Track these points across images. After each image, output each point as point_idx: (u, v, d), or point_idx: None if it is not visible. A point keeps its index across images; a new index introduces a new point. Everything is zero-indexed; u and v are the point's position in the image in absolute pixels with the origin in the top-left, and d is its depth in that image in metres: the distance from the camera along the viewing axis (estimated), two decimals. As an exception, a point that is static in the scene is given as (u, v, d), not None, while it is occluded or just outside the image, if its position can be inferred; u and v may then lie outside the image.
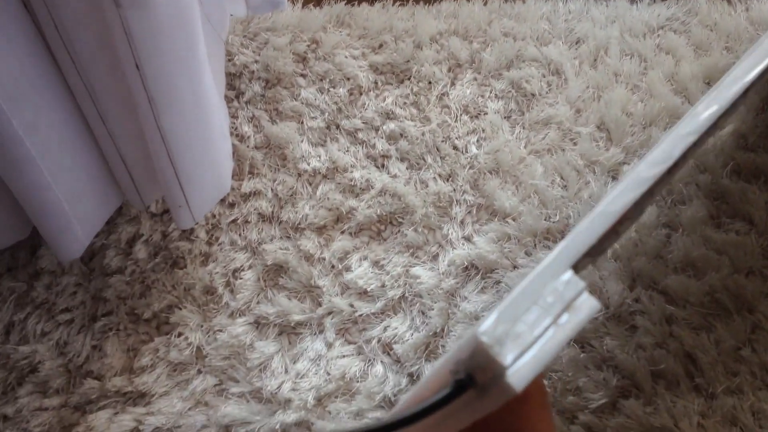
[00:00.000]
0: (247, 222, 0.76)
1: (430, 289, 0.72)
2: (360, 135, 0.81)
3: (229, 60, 0.84)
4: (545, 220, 0.74)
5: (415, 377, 0.68)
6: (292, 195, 0.78)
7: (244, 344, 0.70)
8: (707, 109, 0.38)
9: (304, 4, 0.90)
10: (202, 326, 0.71)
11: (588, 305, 0.29)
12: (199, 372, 0.69)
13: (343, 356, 0.70)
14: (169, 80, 0.54)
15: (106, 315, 0.72)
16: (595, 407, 0.66)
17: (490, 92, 0.83)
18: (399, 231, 0.76)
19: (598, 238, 0.32)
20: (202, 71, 0.58)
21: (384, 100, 0.83)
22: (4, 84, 0.50)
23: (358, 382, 0.68)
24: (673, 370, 0.67)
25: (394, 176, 0.78)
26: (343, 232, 0.76)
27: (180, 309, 0.72)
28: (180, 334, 0.71)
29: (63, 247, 0.63)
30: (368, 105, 0.82)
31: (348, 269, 0.74)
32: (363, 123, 0.82)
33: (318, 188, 0.78)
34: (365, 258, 0.74)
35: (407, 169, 0.79)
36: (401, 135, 0.81)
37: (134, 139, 0.61)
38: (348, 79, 0.84)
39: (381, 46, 0.86)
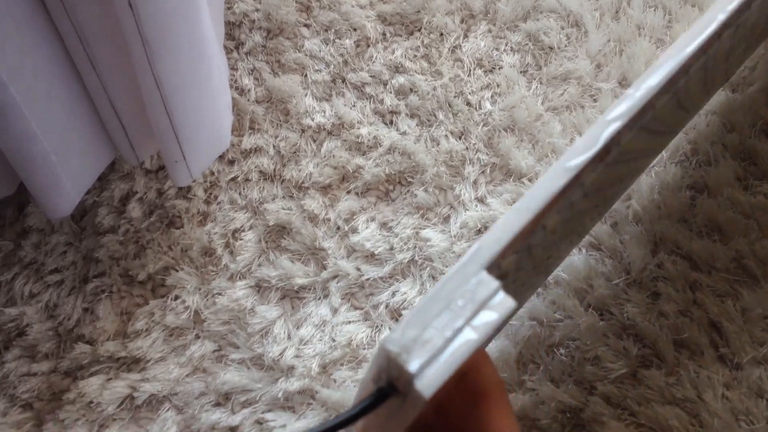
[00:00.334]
0: (247, 180, 0.72)
1: (441, 253, 0.68)
2: (367, 89, 0.76)
3: (228, 8, 0.79)
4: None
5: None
6: (295, 152, 0.73)
7: (244, 309, 0.66)
8: (638, 91, 0.37)
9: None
10: (200, 289, 0.67)
11: (503, 305, 0.28)
12: (197, 337, 0.66)
13: (349, 322, 0.66)
14: (165, 22, 0.50)
15: (98, 276, 0.68)
16: (615, 377, 0.63)
17: (506, 45, 0.78)
18: (408, 191, 0.72)
19: (515, 236, 0.31)
20: (201, 14, 0.54)
21: (393, 52, 0.78)
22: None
23: (364, 349, 0.65)
24: (696, 339, 0.64)
25: (404, 133, 0.74)
26: (349, 192, 0.72)
27: (177, 271, 0.68)
28: (177, 298, 0.67)
29: (51, 203, 0.59)
30: (376, 58, 0.78)
31: (354, 231, 0.70)
32: (370, 77, 0.77)
33: (323, 145, 0.74)
34: (373, 219, 0.71)
35: (417, 125, 0.75)
36: (411, 90, 0.76)
37: (127, 87, 0.57)
38: (354, 29, 0.79)
39: (389, -5, 0.81)
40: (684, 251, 0.67)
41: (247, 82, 0.76)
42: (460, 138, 0.74)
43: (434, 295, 0.29)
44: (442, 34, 0.79)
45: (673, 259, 0.67)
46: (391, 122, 0.75)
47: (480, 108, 0.75)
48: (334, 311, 0.67)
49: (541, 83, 0.76)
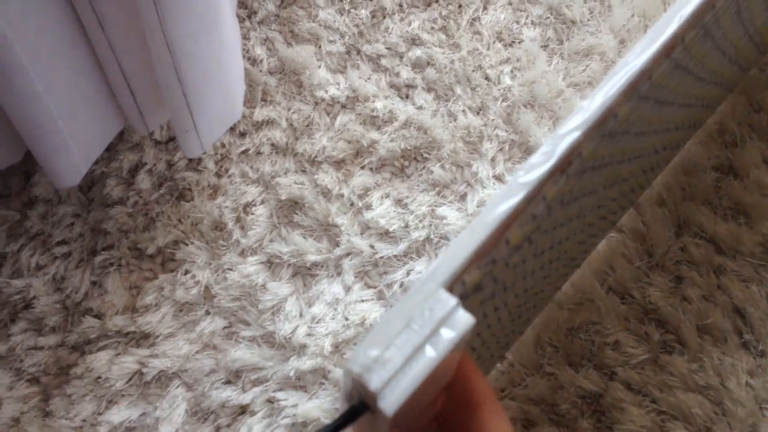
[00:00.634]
0: (259, 153, 0.70)
1: (457, 231, 0.66)
2: (383, 62, 0.74)
3: (242, -25, 0.77)
4: (584, 159, 0.68)
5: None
6: (308, 125, 0.71)
7: (255, 285, 0.65)
8: (594, 102, 0.37)
9: None
10: (210, 264, 0.65)
11: (462, 322, 0.30)
12: (207, 313, 0.64)
13: (363, 301, 0.65)
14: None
15: (106, 249, 0.66)
16: (636, 363, 0.61)
17: (527, 18, 0.76)
18: (424, 167, 0.70)
19: (474, 252, 0.32)
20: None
21: (410, 24, 0.76)
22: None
23: (378, 328, 0.63)
24: (720, 325, 0.62)
25: (420, 107, 0.72)
26: (363, 167, 0.70)
27: (186, 245, 0.66)
28: (187, 272, 0.65)
29: (59, 171, 0.57)
30: (392, 29, 0.75)
31: (368, 207, 0.68)
32: (386, 48, 0.75)
33: (336, 119, 0.71)
34: (387, 196, 0.69)
35: (434, 100, 0.72)
36: (428, 63, 0.74)
37: (138, 50, 0.54)
38: (370, 0, 0.77)
39: (407, -36, 0.79)
40: (708, 234, 0.65)
41: (259, 52, 0.74)
42: (478, 113, 0.72)
43: (394, 314, 0.30)
44: (460, 6, 0.76)
45: (697, 243, 0.65)
46: (407, 96, 0.73)
47: (499, 83, 0.73)
48: (347, 289, 0.65)
49: (562, 58, 0.74)
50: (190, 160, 0.69)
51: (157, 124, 0.65)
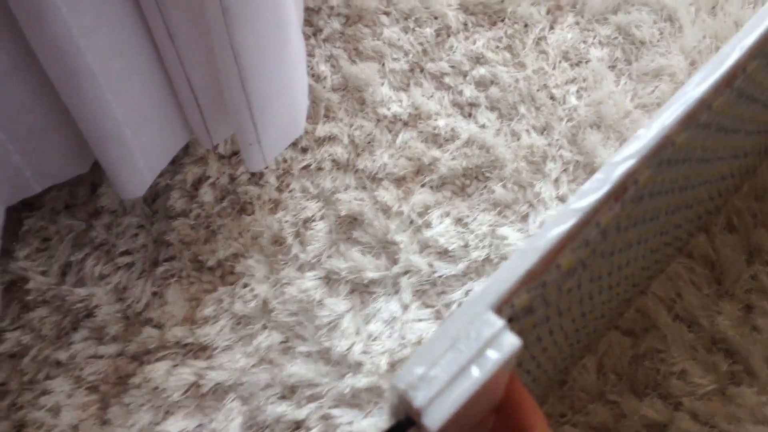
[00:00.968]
0: (320, 169, 0.70)
1: (518, 252, 0.65)
2: (446, 80, 0.74)
3: (308, -7, 0.78)
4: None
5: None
6: (369, 142, 0.71)
7: (313, 300, 0.64)
8: (650, 131, 0.37)
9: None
10: (268, 278, 0.66)
11: (509, 343, 0.30)
12: (265, 327, 0.64)
13: (420, 320, 0.64)
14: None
15: (168, 260, 0.67)
16: (703, 393, 0.59)
17: (594, 38, 0.75)
18: (486, 186, 0.69)
19: (524, 275, 0.33)
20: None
21: (474, 42, 0.75)
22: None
23: (436, 348, 0.62)
24: (793, 358, 0.59)
25: (483, 126, 0.71)
26: (423, 185, 0.69)
27: (246, 258, 0.66)
28: (245, 285, 0.65)
29: (124, 181, 0.58)
30: (456, 47, 0.75)
31: (428, 225, 0.67)
32: (450, 67, 0.74)
33: (398, 136, 0.71)
34: (447, 214, 0.68)
35: (497, 118, 0.72)
36: (492, 81, 0.73)
37: (205, 63, 0.55)
38: (435, 18, 0.76)
39: (473, -17, 0.78)
40: (782, 262, 0.63)
41: (323, 68, 0.74)
42: (542, 133, 0.71)
43: (441, 333, 0.30)
44: (526, 25, 0.76)
45: (769, 270, 0.62)
46: (470, 114, 0.72)
47: (564, 102, 0.72)
48: (405, 308, 0.65)
49: (630, 79, 0.72)
50: (253, 174, 0.70)
51: (221, 138, 0.66)
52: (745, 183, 0.66)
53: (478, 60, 0.74)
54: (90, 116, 0.53)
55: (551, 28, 0.75)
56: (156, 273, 0.66)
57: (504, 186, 0.68)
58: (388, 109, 0.72)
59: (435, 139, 0.71)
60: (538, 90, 0.72)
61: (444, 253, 0.66)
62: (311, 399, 0.61)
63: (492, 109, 0.72)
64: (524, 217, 0.67)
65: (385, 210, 0.68)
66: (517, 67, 0.74)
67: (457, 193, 0.69)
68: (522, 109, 0.71)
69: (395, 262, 0.66)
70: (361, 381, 0.61)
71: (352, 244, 0.67)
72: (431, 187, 0.69)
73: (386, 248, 0.67)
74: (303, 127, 0.67)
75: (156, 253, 0.67)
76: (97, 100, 0.51)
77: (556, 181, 0.68)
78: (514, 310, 0.34)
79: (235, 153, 0.71)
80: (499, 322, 0.31)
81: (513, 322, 0.34)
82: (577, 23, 0.75)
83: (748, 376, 0.59)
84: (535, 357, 0.43)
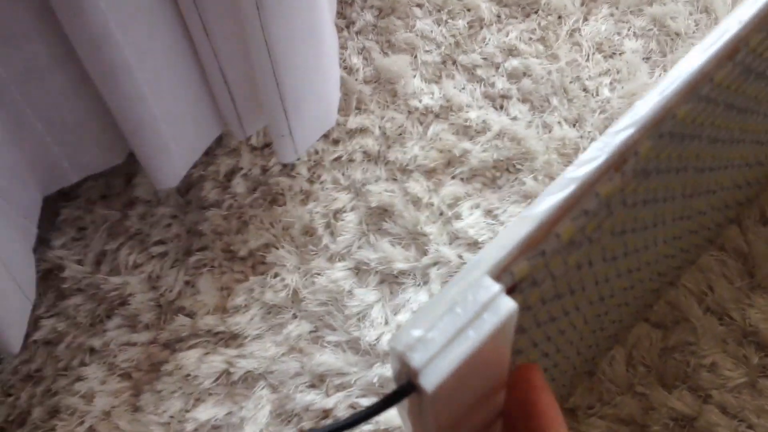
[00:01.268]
0: (351, 160, 0.71)
1: (549, 244, 0.65)
2: (478, 72, 0.74)
3: (340, -14, 0.78)
4: (685, 174, 0.66)
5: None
6: (400, 134, 0.71)
7: (342, 290, 0.65)
8: (648, 101, 0.36)
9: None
10: (299, 268, 0.66)
11: (506, 307, 0.30)
12: (295, 316, 0.65)
13: (449, 311, 0.64)
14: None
15: (200, 250, 0.68)
16: (733, 386, 0.58)
17: (628, 29, 0.74)
18: (516, 179, 0.69)
19: (521, 243, 0.32)
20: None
21: (507, 34, 0.75)
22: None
23: (464, 340, 0.62)
24: (830, 354, 0.58)
25: (514, 118, 0.71)
26: (454, 177, 0.69)
27: (277, 248, 0.67)
28: (276, 275, 0.66)
29: (159, 171, 0.59)
30: (489, 39, 0.75)
31: (458, 217, 0.67)
32: (482, 59, 0.74)
33: (429, 128, 0.71)
34: (477, 206, 0.68)
35: (529, 111, 0.71)
36: (524, 73, 0.73)
37: (239, 57, 0.56)
38: (468, 10, 0.76)
39: (506, -25, 0.78)
40: (819, 256, 0.62)
41: (355, 61, 0.75)
42: (574, 125, 0.70)
43: (439, 298, 0.30)
44: (560, 17, 0.75)
45: (805, 265, 0.61)
46: (502, 107, 0.72)
47: (597, 95, 0.71)
48: (434, 299, 0.65)
49: (665, 71, 0.71)
50: (284, 165, 0.70)
51: (254, 130, 0.67)
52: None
53: (511, 52, 0.74)
54: (126, 109, 0.54)
55: (585, 19, 0.75)
56: (189, 262, 0.67)
57: (535, 178, 0.68)
58: (420, 101, 0.72)
59: (466, 131, 0.71)
60: (570, 82, 0.72)
61: (474, 245, 0.66)
62: (340, 388, 0.62)
63: (524, 101, 0.72)
64: (555, 210, 0.67)
65: (415, 201, 0.68)
66: (550, 59, 0.73)
67: (487, 185, 0.69)
68: (554, 101, 0.71)
69: (425, 253, 0.66)
70: (390, 371, 0.61)
71: (381, 235, 0.67)
72: (462, 179, 0.69)
73: (416, 239, 0.67)
74: (335, 119, 0.68)
75: (189, 242, 0.68)
76: (133, 94, 0.52)
77: (588, 173, 0.68)
78: (514, 278, 0.33)
79: (267, 145, 0.71)
80: (495, 287, 0.30)
81: (516, 292, 0.33)
82: (612, 15, 0.75)
83: (782, 371, 0.58)
84: (551, 338, 0.43)
